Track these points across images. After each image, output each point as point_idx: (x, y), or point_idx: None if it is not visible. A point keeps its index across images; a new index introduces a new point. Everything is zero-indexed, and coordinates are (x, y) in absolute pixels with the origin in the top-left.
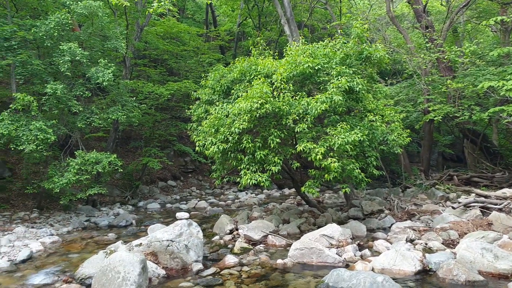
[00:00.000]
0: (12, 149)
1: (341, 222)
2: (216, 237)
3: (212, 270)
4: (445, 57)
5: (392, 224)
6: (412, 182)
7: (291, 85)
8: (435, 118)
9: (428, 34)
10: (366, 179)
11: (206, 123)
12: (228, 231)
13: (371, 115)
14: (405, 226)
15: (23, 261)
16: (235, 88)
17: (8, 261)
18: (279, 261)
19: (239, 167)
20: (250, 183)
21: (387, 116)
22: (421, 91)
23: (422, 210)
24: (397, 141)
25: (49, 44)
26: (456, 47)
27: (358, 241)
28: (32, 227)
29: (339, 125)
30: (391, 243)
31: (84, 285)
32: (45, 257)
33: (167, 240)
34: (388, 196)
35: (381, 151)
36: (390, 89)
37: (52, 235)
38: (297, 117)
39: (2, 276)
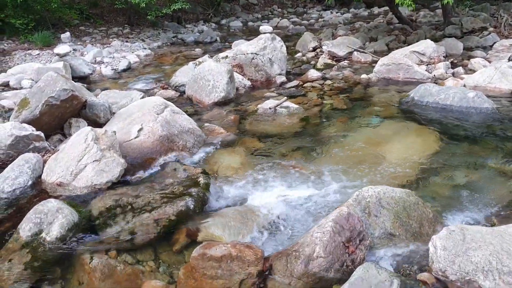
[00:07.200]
0: None
1: (435, 41)
2: (299, 54)
3: (295, 83)
4: None
5: (494, 43)
6: None
7: None
8: None
9: None
10: None
11: None
12: (311, 49)
13: None
14: (511, 44)
15: (124, 70)
16: None
17: (111, 69)
18: (363, 76)
19: None
20: None
21: None
22: None
23: None
24: None
25: None
26: None
27: (452, 59)
28: (126, 42)
29: None
30: (490, 62)
31: (178, 91)
32: (141, 68)
33: (252, 53)
34: (496, 12)
35: None
36: None
37: (145, 49)
38: None
39: (109, 82)
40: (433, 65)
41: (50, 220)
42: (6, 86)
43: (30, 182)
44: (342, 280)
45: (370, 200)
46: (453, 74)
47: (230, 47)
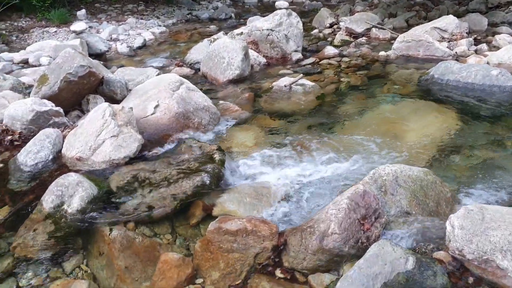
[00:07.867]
0: None
1: (458, 16)
2: (315, 31)
3: (311, 60)
4: None
5: None
6: None
7: None
8: None
9: None
10: None
11: None
12: (328, 25)
13: None
14: None
15: (139, 48)
16: None
17: (127, 47)
18: (382, 53)
19: None
20: None
21: None
22: None
23: None
24: None
25: None
26: None
27: (475, 36)
28: (141, 19)
29: None
30: None
31: (193, 69)
32: (156, 45)
33: (267, 29)
34: None
35: None
36: None
37: (160, 26)
38: None
39: (125, 59)
40: (455, 42)
41: (71, 193)
42: (26, 63)
43: (51, 156)
44: (357, 257)
45: (387, 178)
46: (476, 51)
47: (245, 24)
